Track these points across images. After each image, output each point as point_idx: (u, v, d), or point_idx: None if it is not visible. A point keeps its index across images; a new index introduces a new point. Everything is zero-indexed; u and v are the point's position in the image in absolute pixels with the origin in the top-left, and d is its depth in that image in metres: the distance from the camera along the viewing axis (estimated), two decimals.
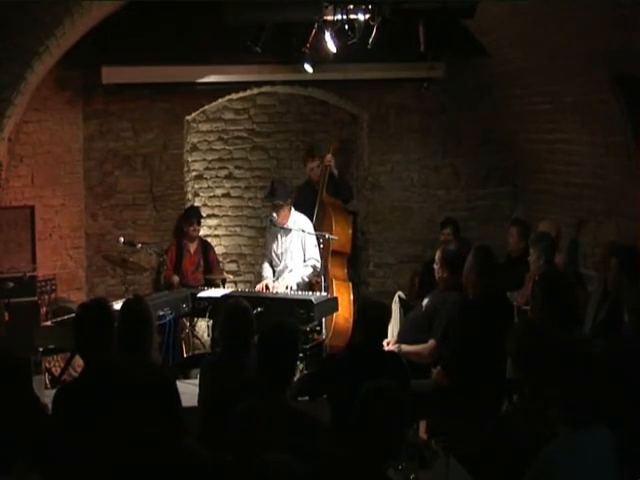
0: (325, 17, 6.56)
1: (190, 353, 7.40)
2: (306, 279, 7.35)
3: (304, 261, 7.39)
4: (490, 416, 4.60)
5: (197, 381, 5.01)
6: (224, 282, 8.48)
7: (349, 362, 4.83)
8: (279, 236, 7.47)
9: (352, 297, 8.10)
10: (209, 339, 7.43)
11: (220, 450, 3.88)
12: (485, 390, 5.09)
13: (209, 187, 9.16)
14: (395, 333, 6.50)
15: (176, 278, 8.07)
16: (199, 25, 7.87)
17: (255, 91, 8.69)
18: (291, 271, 7.38)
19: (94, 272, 8.45)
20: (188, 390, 5.07)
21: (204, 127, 9.07)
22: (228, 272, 9.01)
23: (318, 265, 7.36)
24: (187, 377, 6.01)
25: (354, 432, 3.26)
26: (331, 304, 6.83)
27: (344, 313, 7.78)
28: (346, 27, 6.45)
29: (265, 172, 9.13)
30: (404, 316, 7.06)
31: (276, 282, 7.28)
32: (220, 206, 9.20)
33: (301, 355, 5.76)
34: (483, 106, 8.65)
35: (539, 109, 7.72)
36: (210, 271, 8.35)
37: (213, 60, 8.10)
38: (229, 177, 9.19)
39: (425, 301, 6.16)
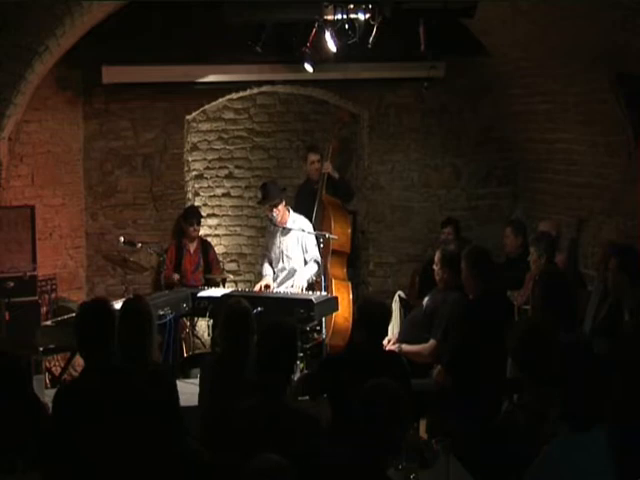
0: (325, 16, 6.57)
1: (190, 353, 7.40)
2: (314, 277, 7.38)
3: (305, 262, 7.41)
4: (490, 416, 4.60)
5: (197, 381, 5.01)
6: (224, 281, 8.48)
7: (349, 362, 4.82)
8: (278, 236, 7.48)
9: (352, 297, 8.09)
10: (209, 339, 7.43)
11: (220, 450, 3.88)
12: (485, 390, 5.09)
13: (209, 187, 9.16)
14: (395, 333, 6.50)
15: (176, 275, 8.07)
16: (199, 25, 7.87)
17: (255, 90, 8.68)
18: (290, 272, 7.39)
19: (94, 272, 8.44)
20: (188, 390, 5.08)
21: (204, 127, 9.07)
22: (228, 272, 9.02)
23: (319, 264, 7.37)
24: (187, 377, 6.02)
25: (354, 432, 3.26)
26: (331, 304, 6.84)
27: (344, 313, 7.78)
28: (346, 26, 6.47)
29: (265, 172, 9.13)
30: (404, 316, 7.07)
31: (285, 284, 7.30)
32: (220, 206, 9.20)
33: (301, 355, 5.78)
34: (483, 106, 8.65)
35: (539, 109, 7.72)
36: (210, 270, 8.35)
37: (213, 60, 8.09)
38: (229, 177, 9.19)
39: (425, 300, 6.17)
